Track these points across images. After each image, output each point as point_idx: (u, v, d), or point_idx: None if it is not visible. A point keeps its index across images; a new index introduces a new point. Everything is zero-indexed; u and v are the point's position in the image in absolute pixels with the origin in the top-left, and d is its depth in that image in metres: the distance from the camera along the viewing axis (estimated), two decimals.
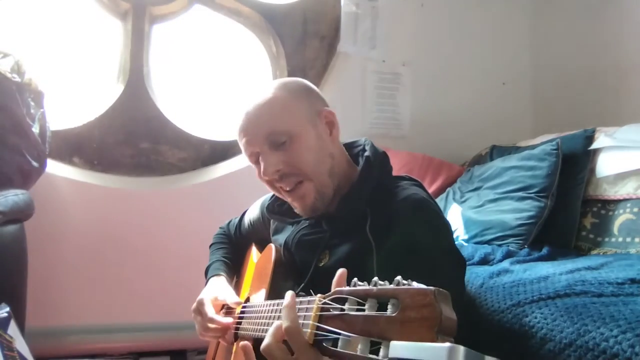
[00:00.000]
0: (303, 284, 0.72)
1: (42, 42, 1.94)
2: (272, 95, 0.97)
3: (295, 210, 1.00)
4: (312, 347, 0.63)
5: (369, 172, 0.97)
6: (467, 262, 1.39)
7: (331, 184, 0.97)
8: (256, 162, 0.98)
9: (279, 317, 0.70)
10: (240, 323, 1.03)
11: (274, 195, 1.08)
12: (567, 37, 2.34)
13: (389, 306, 0.50)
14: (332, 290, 0.62)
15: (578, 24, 2.29)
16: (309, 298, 0.65)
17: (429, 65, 2.32)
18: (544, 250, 1.50)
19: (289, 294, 0.68)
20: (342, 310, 0.57)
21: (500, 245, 1.55)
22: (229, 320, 1.05)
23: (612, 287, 1.01)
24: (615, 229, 1.53)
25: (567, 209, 1.64)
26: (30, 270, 1.47)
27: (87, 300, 1.83)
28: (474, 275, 1.22)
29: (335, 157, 0.98)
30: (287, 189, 0.97)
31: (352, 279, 0.60)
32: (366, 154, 0.99)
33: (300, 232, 1.03)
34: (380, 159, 1.00)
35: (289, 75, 2.17)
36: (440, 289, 0.47)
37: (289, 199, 0.99)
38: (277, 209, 1.10)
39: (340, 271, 0.67)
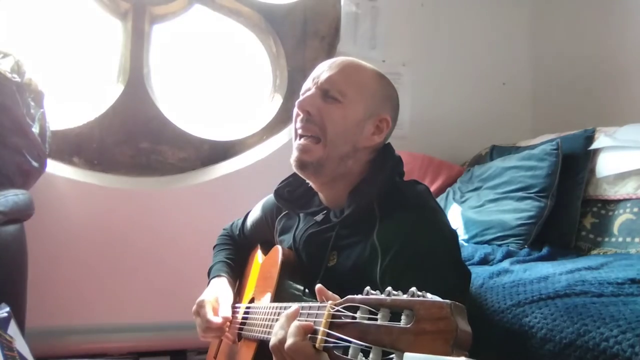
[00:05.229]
0: (316, 286, 0.71)
1: (42, 42, 1.94)
2: (365, 67, 1.02)
3: (291, 158, 1.01)
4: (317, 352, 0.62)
5: (380, 168, 0.98)
6: (467, 262, 1.39)
7: (336, 166, 0.97)
8: (304, 92, 1.01)
9: None
10: (244, 324, 1.03)
11: (283, 182, 1.10)
12: (567, 37, 2.34)
13: (403, 317, 0.49)
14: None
15: (578, 24, 2.29)
16: (319, 304, 0.65)
17: (429, 65, 2.32)
18: (544, 250, 1.50)
19: (295, 305, 0.69)
20: (354, 318, 0.56)
21: (500, 245, 1.56)
22: (228, 315, 1.06)
23: (612, 287, 1.01)
24: (615, 229, 1.53)
25: (567, 209, 1.64)
26: (30, 270, 1.46)
27: (87, 300, 1.82)
28: (474, 276, 1.22)
29: (357, 153, 0.98)
30: (302, 132, 0.98)
31: (359, 284, 0.59)
32: (379, 149, 1.01)
33: (309, 230, 1.03)
34: (392, 159, 1.02)
35: (289, 75, 2.17)
36: (457, 303, 0.47)
37: (295, 141, 1.00)
38: (286, 195, 1.09)
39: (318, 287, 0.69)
